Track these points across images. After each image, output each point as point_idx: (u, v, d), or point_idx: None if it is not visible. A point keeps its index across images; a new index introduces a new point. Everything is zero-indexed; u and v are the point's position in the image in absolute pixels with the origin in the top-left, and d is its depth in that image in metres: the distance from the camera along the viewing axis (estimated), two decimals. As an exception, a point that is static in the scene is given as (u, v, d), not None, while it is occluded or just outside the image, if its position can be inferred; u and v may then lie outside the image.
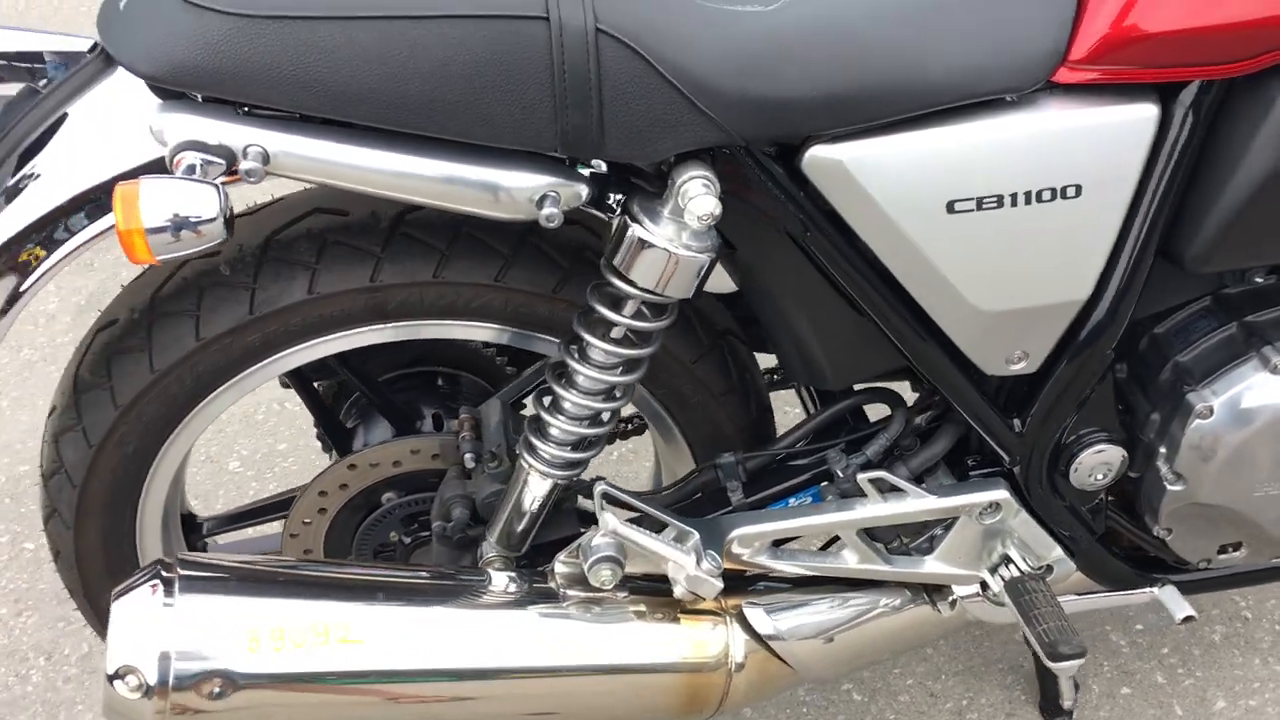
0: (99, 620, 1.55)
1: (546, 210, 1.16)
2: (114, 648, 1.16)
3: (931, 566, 1.48)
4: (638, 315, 1.26)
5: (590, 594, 1.34)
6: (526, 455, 1.36)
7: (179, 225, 1.04)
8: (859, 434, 1.48)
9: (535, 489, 1.37)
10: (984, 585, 1.50)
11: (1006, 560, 1.48)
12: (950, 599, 1.53)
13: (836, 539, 1.47)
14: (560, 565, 1.36)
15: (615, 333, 1.28)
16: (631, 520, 1.34)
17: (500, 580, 1.34)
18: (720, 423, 1.51)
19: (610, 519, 1.29)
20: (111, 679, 1.16)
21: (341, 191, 1.36)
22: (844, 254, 1.27)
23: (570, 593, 1.34)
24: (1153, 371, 1.44)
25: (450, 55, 1.10)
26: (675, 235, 1.20)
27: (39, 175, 1.22)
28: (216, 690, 1.16)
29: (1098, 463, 1.44)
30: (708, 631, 1.37)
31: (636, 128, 1.14)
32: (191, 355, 1.34)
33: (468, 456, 1.45)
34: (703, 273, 1.22)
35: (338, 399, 1.66)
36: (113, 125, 1.22)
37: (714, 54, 1.14)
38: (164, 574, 1.20)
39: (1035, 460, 1.44)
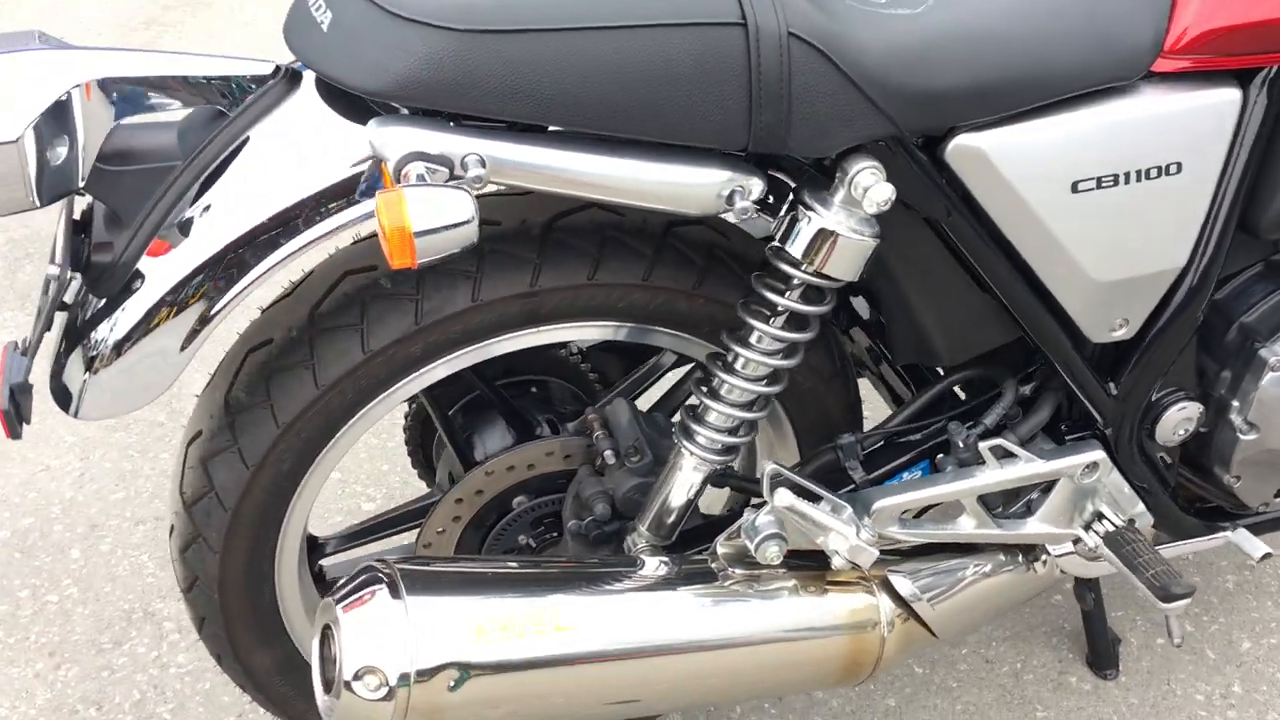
0: (232, 644, 1.55)
1: (740, 204, 1.24)
2: (351, 651, 1.18)
3: (1034, 527, 1.60)
4: (802, 300, 1.35)
5: (752, 572, 1.42)
6: (685, 442, 1.42)
7: (442, 228, 1.08)
8: (960, 409, 1.59)
9: (691, 476, 1.44)
10: (1077, 541, 1.62)
11: (1099, 517, 1.61)
12: (1043, 558, 1.65)
13: (926, 511, 1.57)
14: (721, 547, 1.43)
15: (776, 321, 1.37)
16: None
17: (665, 566, 1.41)
18: (828, 407, 1.60)
19: (787, 495, 1.36)
20: (349, 683, 1.17)
21: (492, 201, 1.42)
22: (977, 234, 1.38)
23: (734, 571, 1.41)
24: (1219, 332, 1.59)
25: (654, 60, 1.17)
26: (846, 221, 1.29)
27: (221, 202, 1.24)
28: (453, 682, 1.19)
29: (1180, 419, 1.59)
30: (860, 598, 1.46)
31: (819, 123, 1.23)
32: (356, 369, 1.37)
33: (607, 453, 1.51)
34: (869, 256, 1.32)
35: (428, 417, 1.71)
36: (295, 150, 1.25)
37: (881, 53, 1.25)
38: (384, 577, 1.23)
39: (1126, 420, 1.57)
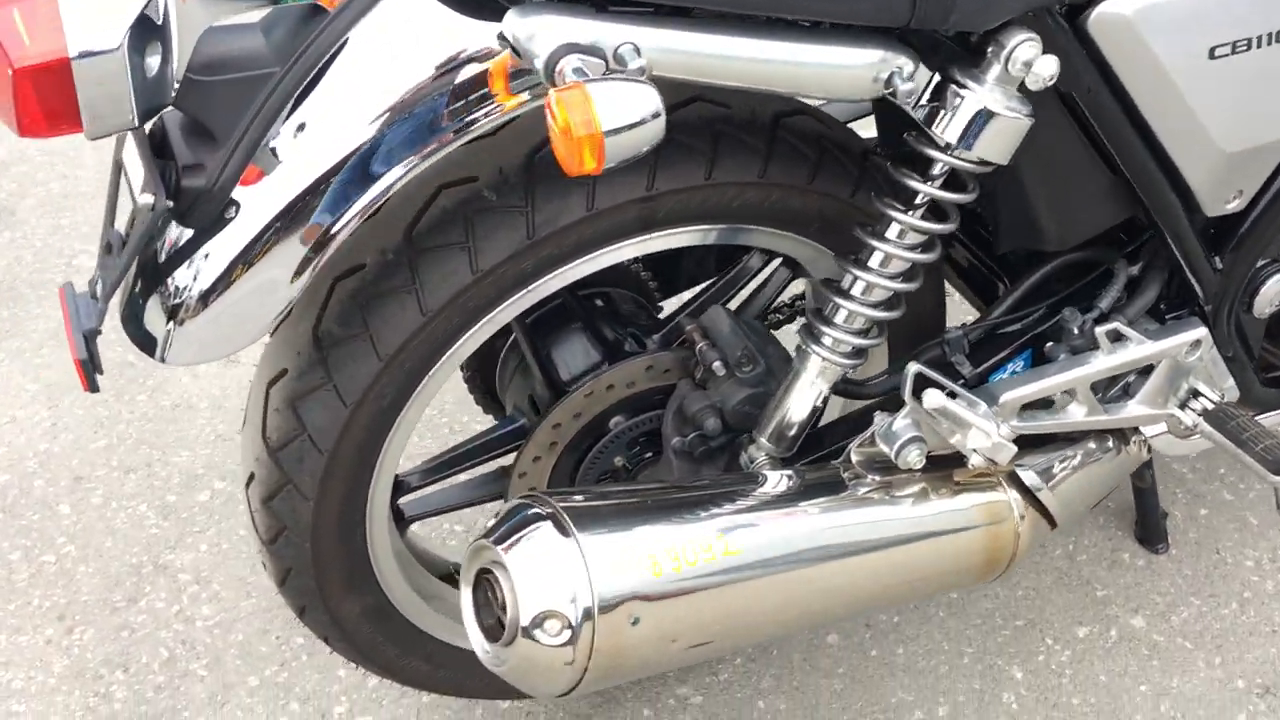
0: (321, 594, 1.43)
1: (903, 86, 1.15)
2: (527, 595, 1.08)
3: (1136, 409, 1.56)
4: (946, 187, 1.27)
5: (887, 477, 1.36)
6: (812, 345, 1.34)
7: (631, 125, 0.96)
8: (1063, 295, 1.54)
9: (817, 382, 1.36)
10: (1173, 420, 1.60)
11: (1194, 394, 1.58)
12: (1135, 439, 1.62)
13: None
14: (855, 454, 1.36)
15: (916, 213, 1.28)
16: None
17: (797, 478, 1.34)
18: (922, 304, 1.53)
19: (938, 396, 1.30)
20: (528, 630, 1.08)
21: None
22: (1111, 108, 1.31)
23: (871, 479, 1.35)
24: (1310, 197, 1.56)
25: (818, -69, 1.07)
26: (1002, 100, 1.21)
27: (324, 116, 1.10)
28: (634, 619, 1.10)
29: (1276, 291, 1.56)
30: (992, 493, 1.41)
31: (984, -7, 1.14)
32: (465, 290, 1.25)
33: (716, 365, 1.42)
34: (1023, 136, 1.24)
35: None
36: (402, 52, 1.11)
37: (1040, -86, 1.16)
38: (546, 515, 1.13)
39: (1228, 294, 1.54)
